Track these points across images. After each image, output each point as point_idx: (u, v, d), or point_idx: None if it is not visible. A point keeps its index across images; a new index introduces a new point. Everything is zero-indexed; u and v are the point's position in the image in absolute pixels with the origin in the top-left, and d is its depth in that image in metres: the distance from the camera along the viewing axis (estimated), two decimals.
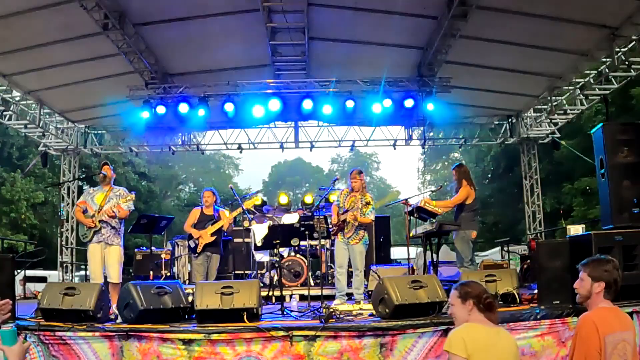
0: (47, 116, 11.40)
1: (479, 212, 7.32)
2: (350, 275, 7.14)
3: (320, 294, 6.53)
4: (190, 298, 5.37)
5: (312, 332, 4.63)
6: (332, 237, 7.18)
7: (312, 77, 9.83)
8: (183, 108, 9.57)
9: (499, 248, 14.11)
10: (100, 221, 6.31)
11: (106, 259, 6.32)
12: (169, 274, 9.14)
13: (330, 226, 7.28)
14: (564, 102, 10.78)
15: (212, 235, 7.14)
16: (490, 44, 8.76)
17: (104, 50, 8.71)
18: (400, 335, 4.63)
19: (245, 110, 9.76)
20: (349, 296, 6.97)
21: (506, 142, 12.75)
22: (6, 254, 6.93)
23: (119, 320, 5.14)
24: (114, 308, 5.57)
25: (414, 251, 10.17)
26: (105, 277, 6.37)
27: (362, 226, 6.76)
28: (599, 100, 10.33)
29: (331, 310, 5.14)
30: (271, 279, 7.98)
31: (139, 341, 4.72)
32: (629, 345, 2.83)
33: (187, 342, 4.64)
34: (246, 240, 9.42)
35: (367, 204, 6.73)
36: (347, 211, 6.67)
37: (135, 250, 10.32)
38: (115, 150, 13.59)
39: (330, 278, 8.39)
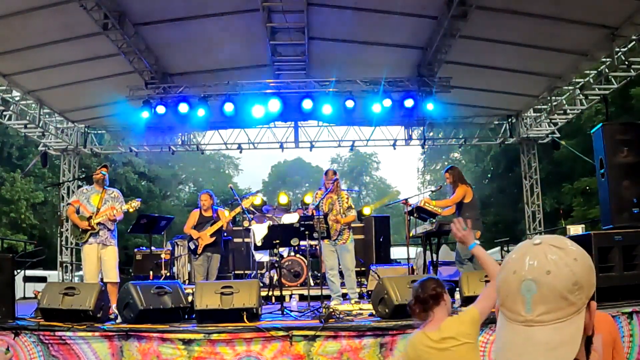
0: (47, 116, 11.39)
1: (480, 212, 7.32)
2: (342, 275, 7.16)
3: (320, 294, 6.54)
4: (190, 298, 5.37)
5: (312, 332, 4.63)
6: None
7: (312, 77, 9.83)
8: (183, 108, 9.56)
9: (499, 248, 14.10)
10: (97, 223, 6.32)
11: (104, 260, 6.33)
12: (168, 274, 9.14)
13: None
14: (564, 102, 10.78)
15: (211, 236, 7.14)
16: (490, 44, 8.75)
17: (104, 50, 8.70)
18: (400, 335, 4.63)
19: (245, 110, 9.76)
20: (344, 297, 6.98)
21: (506, 142, 12.74)
22: (6, 254, 6.94)
23: (119, 320, 5.14)
24: (113, 308, 5.57)
25: (414, 251, 10.18)
26: (101, 278, 6.38)
27: (346, 226, 6.81)
28: (599, 100, 10.31)
29: (331, 310, 5.14)
30: (271, 279, 7.99)
31: (139, 341, 4.72)
32: (595, 353, 2.80)
33: (187, 342, 4.64)
34: (246, 240, 9.43)
35: (349, 208, 6.82)
36: (327, 215, 6.71)
37: (135, 250, 10.33)
38: (115, 150, 13.59)
39: None
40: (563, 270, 0.99)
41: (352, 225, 7.13)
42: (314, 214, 6.63)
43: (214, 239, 7.15)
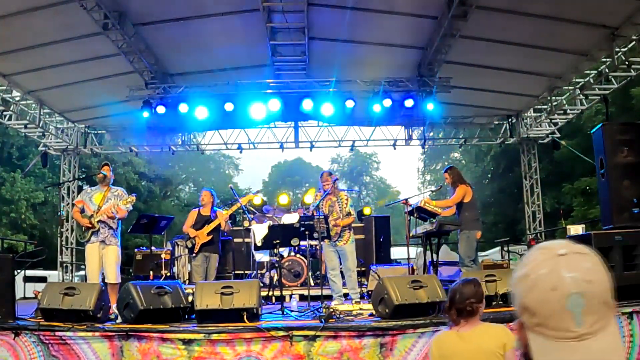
0: (47, 116, 11.39)
1: (480, 212, 7.32)
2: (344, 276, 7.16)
3: (320, 294, 6.53)
4: (190, 298, 5.37)
5: (312, 332, 4.63)
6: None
7: (312, 77, 9.83)
8: (183, 108, 9.57)
9: (499, 248, 14.10)
10: (98, 221, 6.31)
11: (104, 259, 6.32)
12: (169, 274, 9.13)
13: None
14: (564, 102, 10.78)
15: (208, 234, 7.13)
16: (490, 44, 8.75)
17: (104, 50, 8.70)
18: (400, 335, 4.63)
19: (245, 110, 9.76)
20: (346, 296, 6.99)
21: (506, 142, 12.75)
22: (6, 254, 6.94)
23: (119, 320, 5.14)
24: (114, 308, 5.57)
25: (414, 251, 10.17)
26: (103, 277, 6.36)
27: (346, 227, 6.80)
28: (599, 100, 10.31)
29: (331, 310, 5.14)
30: (271, 279, 7.99)
31: (139, 341, 4.72)
32: None
33: (187, 342, 4.64)
34: (246, 240, 9.43)
35: (348, 213, 6.87)
36: (327, 216, 6.72)
37: (135, 250, 10.32)
38: (115, 150, 13.60)
39: None
40: (600, 276, 0.97)
41: (353, 225, 7.13)
42: (315, 215, 6.63)
43: (210, 237, 7.13)
